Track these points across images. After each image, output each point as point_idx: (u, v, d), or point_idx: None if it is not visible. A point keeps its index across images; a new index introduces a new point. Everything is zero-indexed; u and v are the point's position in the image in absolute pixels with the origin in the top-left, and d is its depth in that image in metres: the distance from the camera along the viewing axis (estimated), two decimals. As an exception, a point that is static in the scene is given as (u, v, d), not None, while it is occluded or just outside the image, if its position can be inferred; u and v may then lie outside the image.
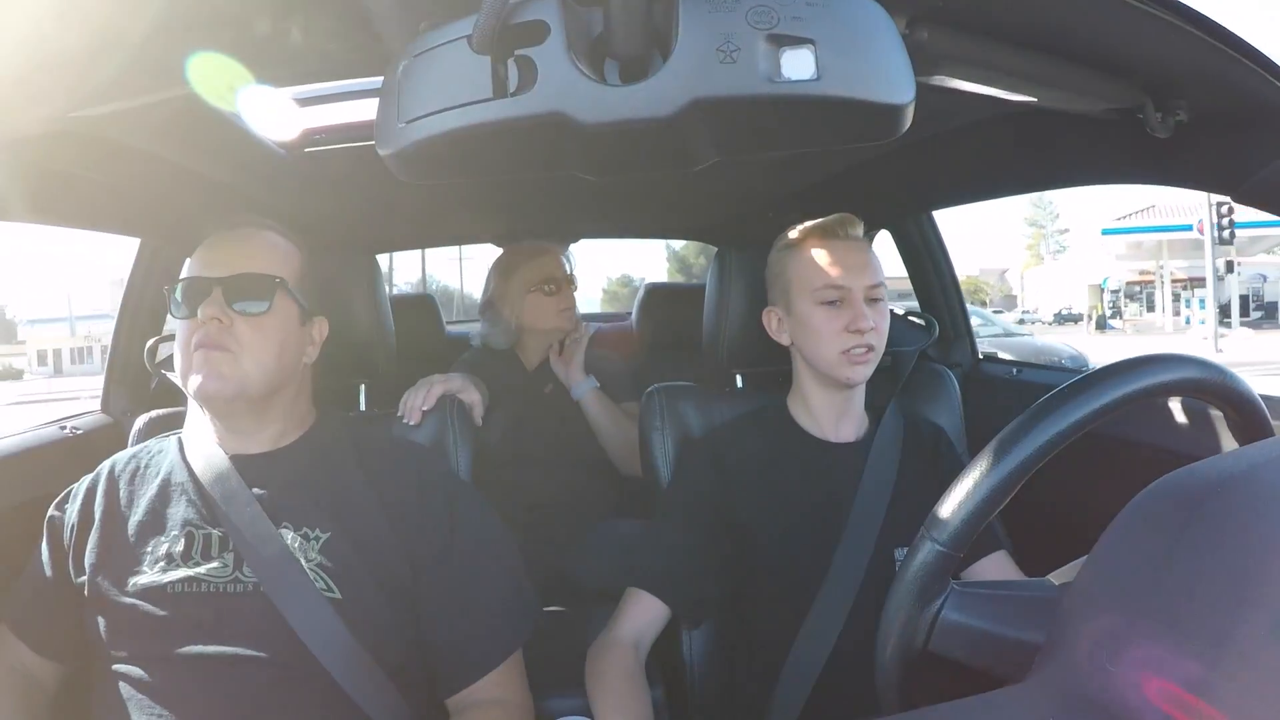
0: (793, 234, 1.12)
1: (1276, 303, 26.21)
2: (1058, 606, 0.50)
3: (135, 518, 0.92)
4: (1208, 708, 0.35)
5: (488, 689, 0.93)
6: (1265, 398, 0.70)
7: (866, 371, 1.07)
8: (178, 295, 0.94)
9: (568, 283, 1.90)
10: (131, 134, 1.06)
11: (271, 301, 0.93)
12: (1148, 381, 0.62)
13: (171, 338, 1.25)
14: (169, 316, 1.00)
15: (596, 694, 0.94)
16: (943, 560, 0.61)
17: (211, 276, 0.92)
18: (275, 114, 1.19)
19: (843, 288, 1.06)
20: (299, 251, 1.00)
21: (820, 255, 1.08)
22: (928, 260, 1.89)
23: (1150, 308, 27.34)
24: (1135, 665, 0.39)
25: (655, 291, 2.62)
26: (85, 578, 0.90)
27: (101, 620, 0.88)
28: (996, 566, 1.06)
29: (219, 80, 0.66)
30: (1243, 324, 21.77)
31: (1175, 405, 1.22)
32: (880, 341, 1.08)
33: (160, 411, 1.19)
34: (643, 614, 1.04)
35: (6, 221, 1.14)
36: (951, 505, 0.62)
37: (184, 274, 0.96)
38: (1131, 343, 17.18)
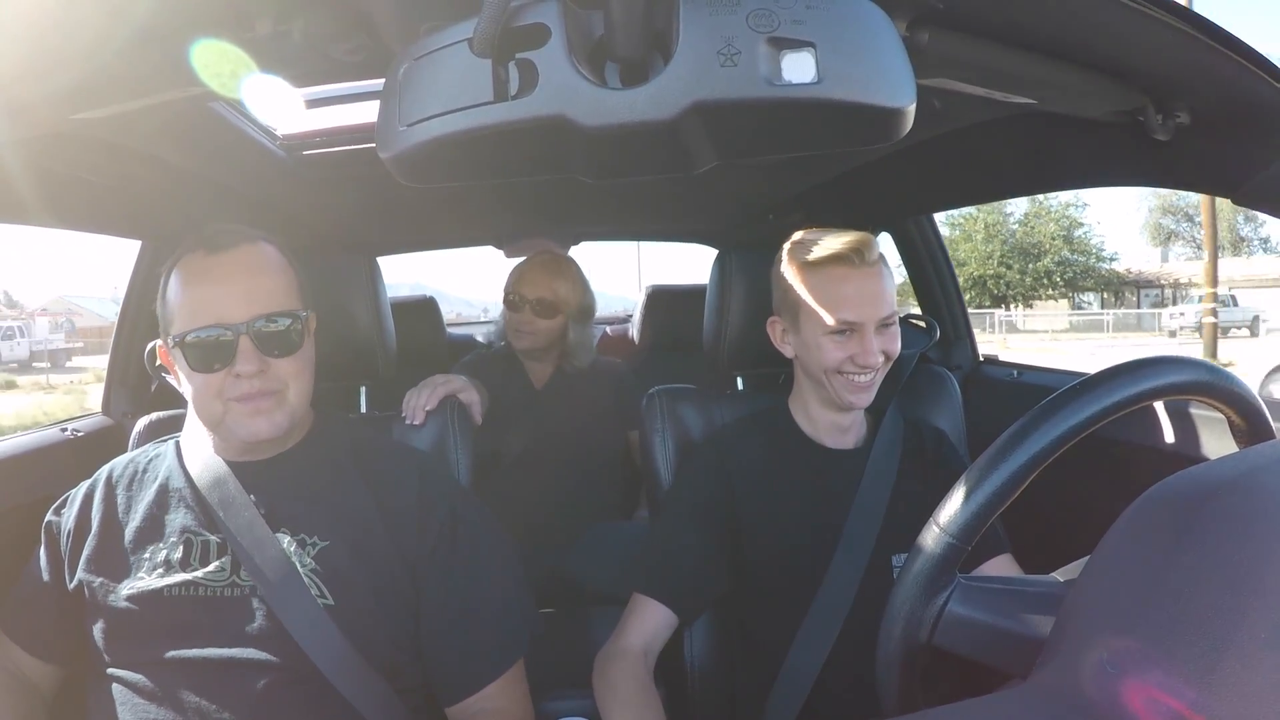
0: (808, 253, 1.05)
1: None
2: (1062, 604, 0.50)
3: (133, 524, 0.92)
4: (1206, 712, 0.35)
5: (488, 699, 0.94)
6: (1266, 401, 0.70)
7: (868, 398, 1.06)
8: (195, 348, 0.86)
9: (532, 304, 1.79)
10: (132, 136, 1.06)
11: (303, 341, 0.92)
12: (1152, 383, 0.62)
13: None
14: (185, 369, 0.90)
15: (609, 704, 0.92)
16: (951, 552, 0.61)
17: (232, 323, 0.86)
18: (278, 107, 1.18)
19: (855, 322, 1.02)
20: (289, 258, 0.96)
21: (834, 286, 1.02)
22: (928, 262, 1.89)
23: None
24: (1134, 669, 0.39)
25: (657, 293, 2.63)
26: (82, 582, 0.90)
27: (99, 624, 0.88)
28: (1000, 569, 1.05)
29: (223, 72, 0.66)
30: None
31: (1177, 408, 1.22)
32: (887, 366, 1.06)
33: (161, 414, 1.19)
34: (650, 621, 1.03)
35: (8, 223, 1.14)
36: (961, 497, 0.61)
37: (185, 316, 0.88)
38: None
